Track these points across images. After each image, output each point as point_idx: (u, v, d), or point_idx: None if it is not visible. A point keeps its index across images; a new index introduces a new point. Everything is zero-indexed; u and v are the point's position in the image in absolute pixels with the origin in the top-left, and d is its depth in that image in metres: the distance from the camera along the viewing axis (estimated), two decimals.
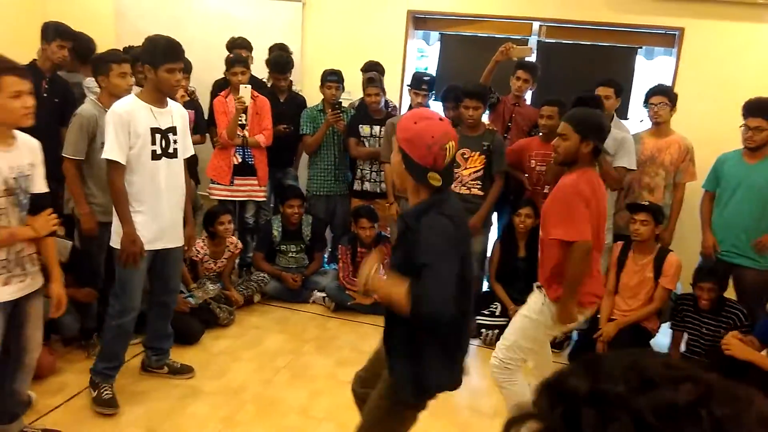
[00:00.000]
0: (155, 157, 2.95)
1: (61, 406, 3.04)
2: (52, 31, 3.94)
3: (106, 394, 3.03)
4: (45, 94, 3.90)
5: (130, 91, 3.27)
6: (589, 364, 0.52)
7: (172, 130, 3.01)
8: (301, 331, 4.12)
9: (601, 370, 0.51)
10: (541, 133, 4.05)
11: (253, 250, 4.75)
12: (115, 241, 2.97)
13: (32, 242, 2.47)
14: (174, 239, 3.14)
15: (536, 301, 2.78)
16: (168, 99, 3.05)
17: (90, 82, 3.79)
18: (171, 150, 3.01)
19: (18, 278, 2.42)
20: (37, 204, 2.46)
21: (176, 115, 3.06)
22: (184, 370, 3.42)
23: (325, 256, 5.03)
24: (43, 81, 3.94)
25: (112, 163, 2.87)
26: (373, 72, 4.60)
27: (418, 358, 1.94)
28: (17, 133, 2.40)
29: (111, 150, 2.85)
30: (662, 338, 3.98)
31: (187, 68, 4.46)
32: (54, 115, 3.90)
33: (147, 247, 2.98)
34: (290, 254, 4.68)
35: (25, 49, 4.61)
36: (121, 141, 2.85)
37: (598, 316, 3.90)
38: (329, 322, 4.31)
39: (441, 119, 1.94)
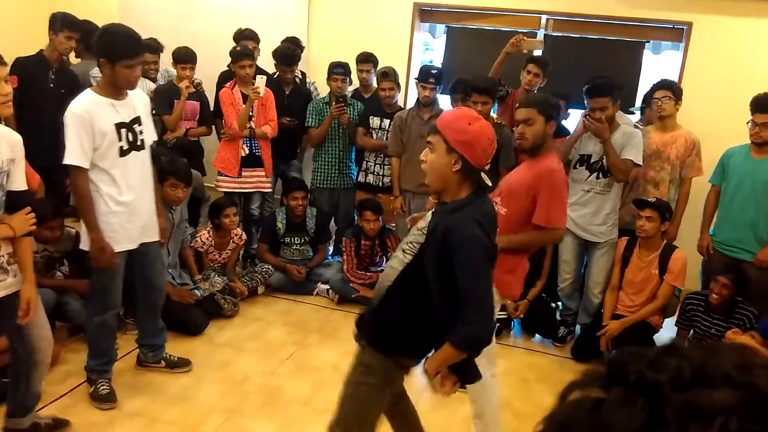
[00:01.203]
0: (123, 153, 2.79)
1: (66, 394, 3.06)
2: (60, 22, 3.96)
3: (103, 389, 3.02)
4: (51, 85, 3.93)
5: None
6: (666, 350, 0.52)
7: (137, 120, 2.84)
8: (305, 323, 4.14)
9: (664, 358, 0.50)
10: None
11: (258, 242, 4.76)
12: (86, 243, 2.84)
13: (9, 241, 2.35)
14: (151, 234, 3.03)
15: None
16: None
17: (96, 71, 3.81)
18: (138, 142, 2.85)
19: None
20: (13, 202, 2.35)
21: (137, 103, 2.88)
22: (182, 364, 3.38)
23: (329, 248, 5.04)
24: (50, 71, 3.96)
25: (74, 168, 2.70)
26: (388, 66, 4.61)
27: (408, 323, 1.98)
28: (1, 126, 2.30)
29: (72, 154, 2.67)
30: (666, 333, 3.98)
31: (193, 60, 4.47)
32: (61, 105, 3.90)
33: (127, 247, 2.90)
34: (294, 246, 4.69)
35: (33, 40, 4.64)
36: (84, 144, 2.67)
37: (602, 311, 3.91)
38: (333, 314, 4.33)
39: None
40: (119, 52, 2.67)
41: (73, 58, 4.68)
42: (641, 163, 3.75)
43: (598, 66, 4.61)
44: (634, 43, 5.04)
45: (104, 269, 2.87)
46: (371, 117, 4.65)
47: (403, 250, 2.00)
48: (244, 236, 4.46)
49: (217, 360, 3.55)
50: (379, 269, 4.57)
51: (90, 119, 2.67)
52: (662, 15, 4.82)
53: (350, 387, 2.10)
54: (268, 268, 4.55)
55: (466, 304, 1.81)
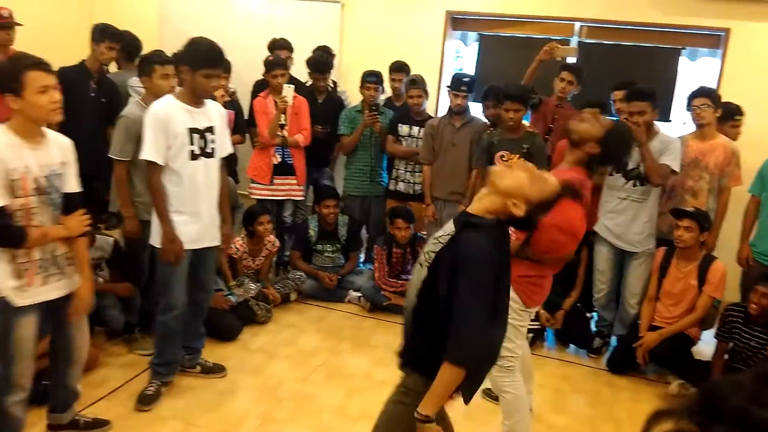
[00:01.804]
0: (193, 157, 2.95)
1: (103, 398, 3.12)
2: (102, 33, 4.05)
3: (149, 390, 3.10)
4: (93, 94, 4.02)
5: (172, 93, 3.32)
6: (763, 378, 0.48)
7: (210, 129, 3.00)
8: (336, 330, 4.15)
9: (765, 390, 0.46)
10: None
11: (290, 249, 4.80)
12: (155, 240, 3.01)
13: (67, 242, 2.46)
14: (212, 238, 3.16)
15: None
16: (206, 99, 3.05)
17: (135, 81, 3.89)
18: (209, 149, 3.01)
19: (55, 278, 2.42)
20: (70, 204, 2.45)
21: (214, 114, 3.05)
22: (217, 369, 3.44)
23: (361, 256, 5.06)
24: (91, 81, 4.06)
25: (150, 164, 2.89)
26: (416, 74, 4.63)
27: (438, 344, 1.89)
28: (47, 131, 2.39)
29: (148, 150, 2.87)
30: (704, 345, 3.89)
31: (228, 69, 4.54)
32: (101, 114, 4.00)
33: (187, 247, 3.01)
34: (326, 254, 4.72)
35: (74, 50, 4.76)
36: (159, 142, 2.86)
37: (639, 322, 3.84)
38: (364, 321, 4.33)
39: None
40: (200, 61, 2.84)
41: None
42: (678, 171, 3.69)
43: (633, 73, 4.55)
44: (669, 50, 4.96)
45: (168, 269, 3.00)
46: (400, 124, 4.67)
47: (420, 264, 1.94)
48: (277, 243, 4.50)
49: (251, 365, 3.57)
50: (410, 277, 4.56)
51: (166, 120, 2.86)
52: (699, 21, 4.74)
53: (389, 405, 2.06)
54: (301, 275, 4.58)
55: (462, 317, 1.76)
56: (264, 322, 4.12)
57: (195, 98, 2.95)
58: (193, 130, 2.94)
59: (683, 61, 4.99)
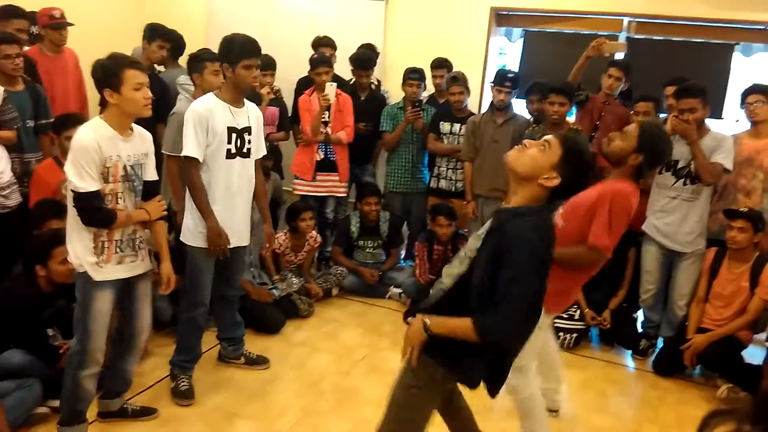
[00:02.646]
0: (230, 155, 2.96)
1: (152, 386, 3.21)
2: (154, 32, 4.15)
3: (183, 385, 3.14)
4: None
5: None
6: None
7: (248, 129, 3.02)
8: (377, 326, 4.17)
9: None
10: None
11: (332, 245, 4.84)
12: (187, 238, 3.02)
13: (143, 226, 2.63)
14: (243, 238, 3.16)
15: None
16: (245, 99, 3.06)
17: (183, 79, 3.97)
18: (245, 149, 3.02)
19: (130, 258, 2.57)
20: (149, 190, 2.63)
21: (252, 115, 3.07)
22: (260, 361, 3.49)
23: (402, 252, 5.06)
24: None
25: (190, 160, 2.91)
26: (458, 71, 4.62)
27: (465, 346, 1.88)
28: (133, 125, 2.57)
29: (189, 147, 2.89)
30: (754, 349, 3.77)
31: (273, 67, 4.60)
32: (151, 111, 4.10)
33: None
34: (367, 250, 4.74)
35: (125, 50, 4.87)
36: (200, 138, 2.89)
37: (686, 324, 3.74)
38: None
39: None
40: (238, 53, 2.87)
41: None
42: (731, 169, 3.58)
43: (684, 70, 4.42)
44: (722, 45, 4.81)
45: (197, 266, 3.04)
46: (441, 122, 4.65)
47: (460, 259, 1.95)
48: (319, 239, 4.55)
49: (293, 358, 3.63)
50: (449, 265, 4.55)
51: (207, 117, 2.89)
52: (752, 16, 4.58)
53: (399, 389, 2.06)
54: (342, 271, 4.61)
55: (501, 302, 1.74)
56: (306, 316, 4.17)
57: (236, 96, 2.98)
58: (231, 129, 2.95)
59: (737, 57, 4.84)
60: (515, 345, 1.91)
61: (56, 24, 4.05)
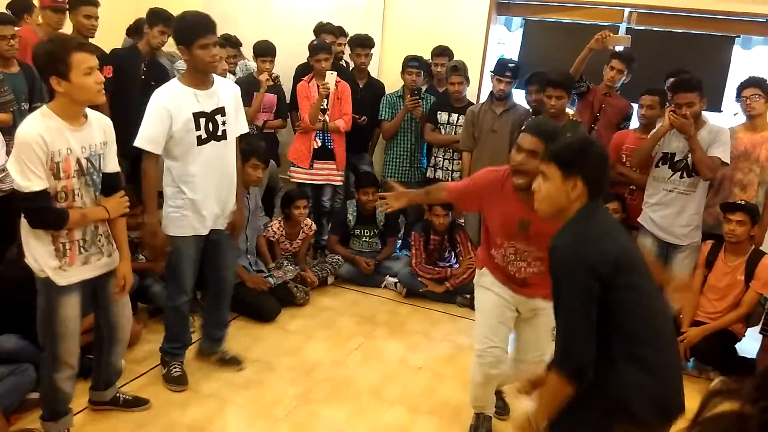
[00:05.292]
0: (201, 141, 2.81)
1: (145, 374, 3.20)
2: (156, 17, 4.11)
3: (175, 371, 3.12)
4: (143, 77, 4.08)
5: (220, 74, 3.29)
6: None
7: (220, 111, 2.84)
8: (372, 315, 4.17)
9: None
10: (640, 124, 4.02)
11: (328, 233, 4.83)
12: (166, 226, 2.92)
13: (105, 222, 2.47)
14: (220, 221, 3.03)
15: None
16: (215, 78, 2.88)
17: (180, 64, 3.95)
18: (219, 132, 2.86)
19: (95, 257, 2.43)
20: (109, 184, 2.45)
21: (224, 94, 2.87)
22: (233, 362, 3.33)
23: (398, 241, 5.06)
24: (143, 63, 4.13)
25: (145, 152, 2.77)
26: (458, 60, 4.59)
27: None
28: (89, 111, 2.37)
29: (142, 138, 2.75)
30: (747, 342, 3.79)
31: (273, 53, 4.57)
32: (150, 97, 4.07)
33: (196, 232, 2.93)
34: (363, 239, 4.74)
35: (123, 35, 4.85)
36: (157, 129, 2.73)
37: (681, 317, 3.75)
38: (400, 307, 4.34)
39: None
40: (192, 33, 2.69)
41: None
42: (728, 162, 3.58)
43: (684, 62, 4.40)
44: (722, 37, 4.79)
45: (176, 256, 2.96)
46: (439, 112, 4.62)
47: None
48: (314, 226, 4.53)
49: (288, 346, 3.62)
50: (447, 264, 4.56)
51: (168, 107, 2.73)
52: (753, 8, 4.56)
53: None
54: (338, 259, 4.61)
55: (561, 327, 1.72)
56: (302, 304, 4.16)
57: (200, 79, 2.80)
58: (198, 115, 2.79)
59: (736, 50, 4.82)
60: (585, 359, 1.70)
61: (57, 6, 4.00)
